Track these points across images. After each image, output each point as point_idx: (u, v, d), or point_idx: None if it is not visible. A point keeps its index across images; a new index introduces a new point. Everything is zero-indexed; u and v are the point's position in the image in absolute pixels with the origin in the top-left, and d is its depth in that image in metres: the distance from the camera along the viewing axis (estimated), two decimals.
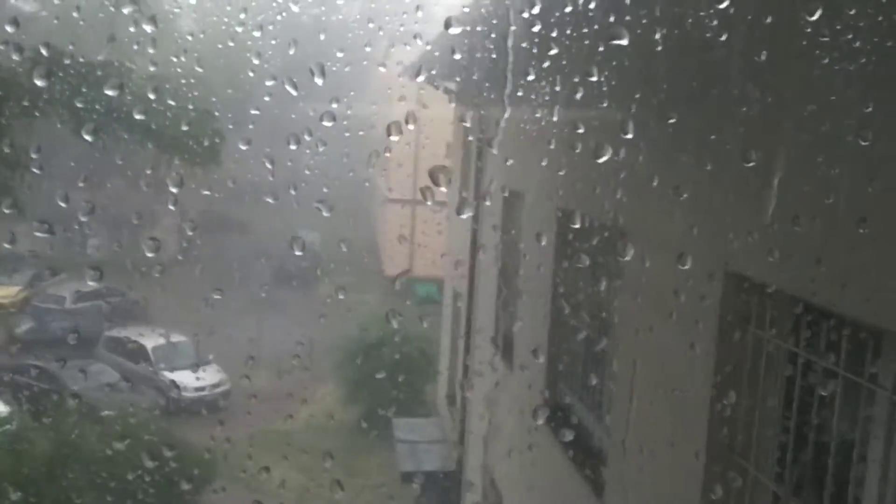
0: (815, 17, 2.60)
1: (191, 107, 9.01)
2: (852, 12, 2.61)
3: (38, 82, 7.08)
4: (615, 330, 5.69)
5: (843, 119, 2.92)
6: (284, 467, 18.12)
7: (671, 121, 4.01)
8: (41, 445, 12.55)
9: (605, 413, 6.15)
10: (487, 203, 11.04)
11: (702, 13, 3.20)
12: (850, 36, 2.66)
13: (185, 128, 8.49)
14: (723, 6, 3.07)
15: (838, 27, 2.71)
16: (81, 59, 8.32)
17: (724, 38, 3.17)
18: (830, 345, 3.30)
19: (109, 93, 8.05)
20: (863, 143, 2.75)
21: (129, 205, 34.08)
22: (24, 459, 12.33)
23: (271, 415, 20.48)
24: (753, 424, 3.86)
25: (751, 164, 3.42)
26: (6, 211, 9.64)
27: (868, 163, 2.82)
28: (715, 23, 3.21)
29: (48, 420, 13.75)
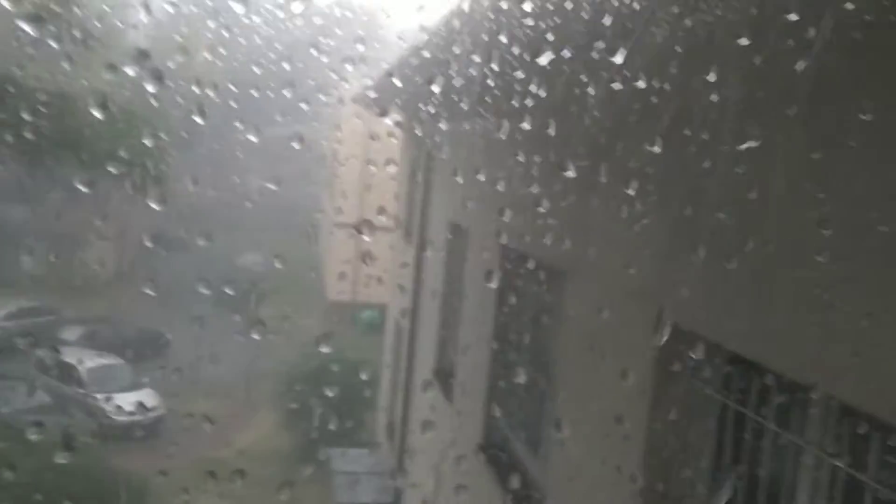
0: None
1: (133, 123, 8.85)
2: None
3: None
4: (553, 368, 5.70)
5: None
6: (219, 494, 17.75)
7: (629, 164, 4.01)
8: None
9: (541, 450, 6.15)
10: (433, 234, 11.05)
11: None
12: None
13: (126, 149, 8.34)
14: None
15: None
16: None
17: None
18: (762, 398, 3.35)
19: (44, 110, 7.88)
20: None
21: (67, 223, 33.33)
22: None
23: (206, 441, 20.06)
24: (685, 472, 3.88)
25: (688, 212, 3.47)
26: None
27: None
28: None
29: None
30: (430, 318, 10.52)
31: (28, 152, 8.50)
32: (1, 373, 22.61)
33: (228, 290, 32.50)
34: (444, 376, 9.59)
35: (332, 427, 14.67)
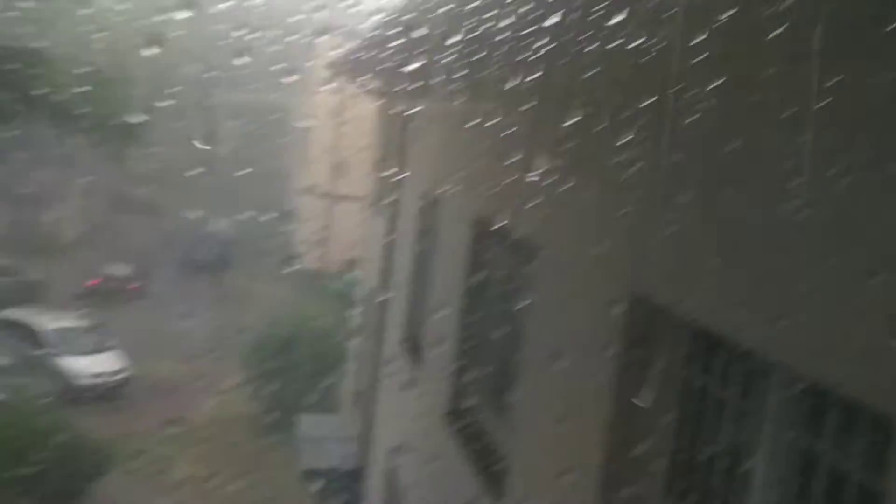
0: None
1: (101, 85, 8.72)
2: None
3: None
4: (521, 339, 5.79)
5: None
6: (185, 459, 17.77)
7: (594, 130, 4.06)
8: None
9: (506, 416, 6.25)
10: (405, 203, 11.07)
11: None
12: None
13: (96, 107, 8.21)
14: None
15: None
16: None
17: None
18: (725, 371, 3.46)
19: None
20: None
21: (34, 182, 32.75)
22: None
23: (173, 405, 20.03)
24: (648, 442, 3.99)
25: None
26: None
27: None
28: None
29: None
30: (400, 288, 10.58)
31: None
32: None
33: (198, 255, 32.38)
34: (412, 344, 9.67)
35: (299, 393, 14.77)
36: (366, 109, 14.72)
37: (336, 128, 26.48)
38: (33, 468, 12.45)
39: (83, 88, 8.12)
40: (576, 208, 4.54)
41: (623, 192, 3.93)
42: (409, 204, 10.42)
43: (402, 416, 9.23)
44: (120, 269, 28.80)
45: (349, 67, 11.66)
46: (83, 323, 23.32)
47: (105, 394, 20.98)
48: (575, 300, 4.67)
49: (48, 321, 23.17)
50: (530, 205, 4.76)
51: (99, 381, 21.77)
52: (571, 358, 4.57)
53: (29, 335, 22.79)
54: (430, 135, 8.61)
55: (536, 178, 4.40)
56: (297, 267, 30.45)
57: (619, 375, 4.02)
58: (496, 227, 6.45)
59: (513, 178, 5.24)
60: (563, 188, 4.41)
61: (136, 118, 8.66)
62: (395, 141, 11.88)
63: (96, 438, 15.42)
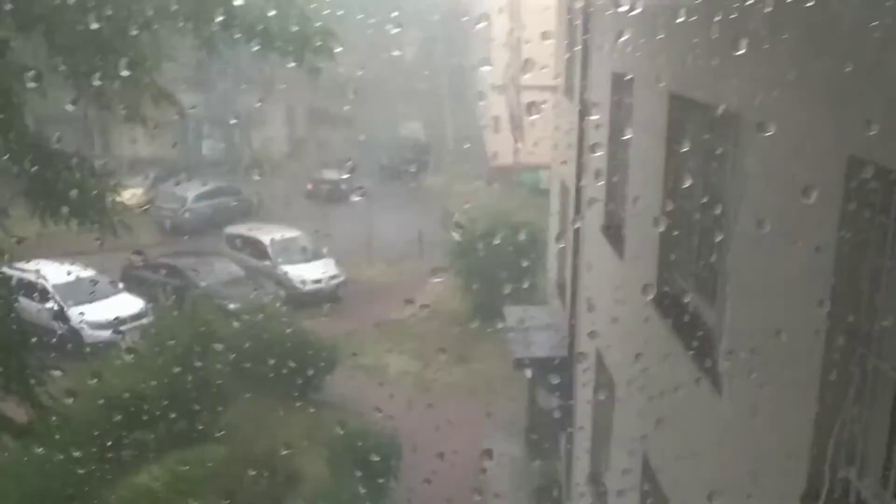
0: None
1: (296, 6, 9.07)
2: None
3: None
4: (727, 217, 5.58)
5: None
6: (401, 354, 18.89)
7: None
8: (178, 337, 13.45)
9: (717, 299, 6.11)
10: (594, 89, 10.79)
11: None
12: None
13: (294, 28, 8.54)
14: None
15: None
16: None
17: None
18: None
19: None
20: None
21: (242, 107, 35.03)
22: (164, 350, 13.27)
23: (386, 305, 21.21)
24: (874, 311, 3.79)
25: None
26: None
27: None
28: None
29: (180, 313, 14.64)
30: (597, 174, 10.43)
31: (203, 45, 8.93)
32: (197, 250, 24.67)
33: (395, 161, 33.52)
34: (613, 231, 9.58)
35: (504, 285, 15.12)
36: None
37: (516, 20, 25.98)
38: (271, 368, 13.70)
39: (272, 13, 8.47)
40: (783, 76, 4.24)
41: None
42: (600, 86, 10.15)
43: (607, 302, 9.25)
44: (330, 174, 30.51)
45: None
46: (300, 233, 24.99)
47: (324, 297, 22.57)
48: (788, 176, 4.41)
49: (269, 233, 25.06)
50: (734, 74, 4.51)
51: (318, 286, 23.44)
52: (780, 238, 4.37)
53: (254, 248, 24.82)
54: (616, 16, 8.27)
55: (741, 49, 4.12)
56: (493, 164, 30.76)
57: (839, 246, 3.80)
58: (695, 99, 6.18)
59: (711, 47, 4.97)
60: (774, 55, 4.11)
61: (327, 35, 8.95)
62: (579, 24, 11.53)
63: (321, 339, 16.68)
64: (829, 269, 3.87)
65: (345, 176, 29.65)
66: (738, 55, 4.19)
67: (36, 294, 18.38)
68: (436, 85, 35.32)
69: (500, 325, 14.37)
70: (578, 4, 10.94)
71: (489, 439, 14.73)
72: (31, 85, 7.74)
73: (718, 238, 5.68)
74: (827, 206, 3.81)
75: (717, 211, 5.71)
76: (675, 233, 6.85)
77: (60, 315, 18.61)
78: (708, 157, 6.22)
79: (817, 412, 4.02)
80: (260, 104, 35.25)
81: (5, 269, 9.53)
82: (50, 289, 18.89)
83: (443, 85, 35.80)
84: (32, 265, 16.73)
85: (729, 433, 5.47)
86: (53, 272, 18.55)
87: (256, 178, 32.66)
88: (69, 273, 18.41)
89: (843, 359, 3.91)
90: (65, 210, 8.85)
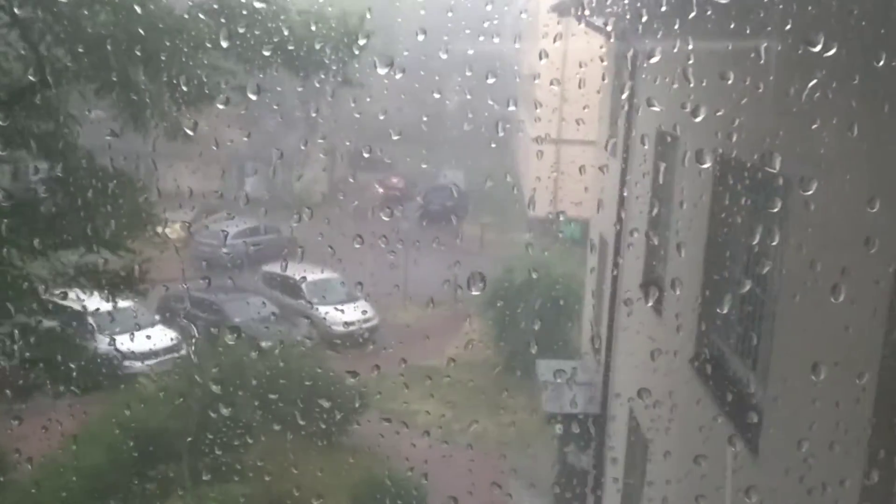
0: None
1: (332, 35, 9.20)
2: None
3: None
4: (772, 281, 5.45)
5: None
6: (432, 401, 18.69)
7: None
8: (209, 372, 13.47)
9: (758, 367, 5.94)
10: (638, 145, 10.75)
11: None
12: None
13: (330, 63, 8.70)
14: None
15: None
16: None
17: None
18: None
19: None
20: None
21: (285, 147, 35.52)
22: (195, 384, 13.29)
23: (418, 351, 21.08)
24: None
25: None
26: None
27: None
28: None
29: (213, 348, 14.70)
30: (637, 230, 10.33)
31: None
32: (233, 286, 24.88)
33: (434, 207, 33.58)
34: (651, 289, 9.44)
35: (537, 337, 14.97)
36: (593, 51, 14.33)
37: (563, 71, 26.13)
38: (300, 408, 13.63)
39: (318, 47, 8.61)
40: (839, 132, 4.14)
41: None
42: (646, 143, 10.10)
43: (643, 360, 9.07)
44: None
45: (574, 9, 11.42)
46: (336, 274, 25.09)
47: (356, 340, 22.53)
48: (839, 239, 4.30)
49: (305, 273, 25.20)
50: (785, 132, 4.42)
51: (351, 328, 23.44)
52: (827, 304, 4.23)
53: (289, 287, 24.95)
54: (663, 69, 8.24)
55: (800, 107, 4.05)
56: (531, 214, 30.73)
57: (891, 323, 3.67)
58: (743, 162, 6.10)
59: (758, 104, 4.91)
60: (829, 110, 4.02)
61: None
62: (626, 77, 11.52)
63: (351, 382, 16.58)
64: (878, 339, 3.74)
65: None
66: (788, 114, 4.11)
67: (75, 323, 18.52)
68: (478, 133, 35.52)
69: (532, 378, 14.18)
70: (628, 58, 10.95)
71: (515, 493, 14.48)
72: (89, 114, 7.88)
73: (762, 301, 5.55)
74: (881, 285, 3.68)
75: (763, 272, 5.59)
76: (718, 294, 6.71)
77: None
78: (754, 218, 6.11)
79: (862, 485, 3.85)
80: (304, 147, 35.78)
81: (56, 300, 9.63)
82: (90, 319, 19.05)
83: (484, 133, 36.00)
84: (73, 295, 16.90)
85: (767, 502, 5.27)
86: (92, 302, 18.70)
87: (296, 217, 32.98)
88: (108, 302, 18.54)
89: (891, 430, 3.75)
90: (109, 239, 8.94)
